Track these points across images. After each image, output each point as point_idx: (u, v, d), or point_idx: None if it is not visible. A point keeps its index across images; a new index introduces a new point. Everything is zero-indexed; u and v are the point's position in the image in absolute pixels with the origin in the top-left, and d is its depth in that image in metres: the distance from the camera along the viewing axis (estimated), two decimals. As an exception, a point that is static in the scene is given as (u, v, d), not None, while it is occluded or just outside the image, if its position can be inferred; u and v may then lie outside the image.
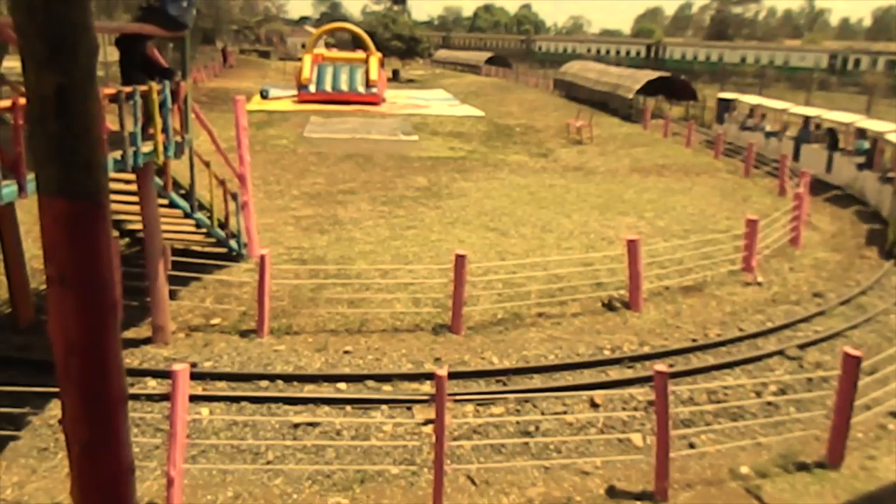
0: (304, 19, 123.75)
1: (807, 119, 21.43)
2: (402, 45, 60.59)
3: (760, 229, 11.90)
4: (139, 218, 8.96)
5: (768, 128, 24.15)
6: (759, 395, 7.88)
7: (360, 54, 38.40)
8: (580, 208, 16.14)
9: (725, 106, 27.61)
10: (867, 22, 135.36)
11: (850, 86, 46.15)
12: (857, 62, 56.90)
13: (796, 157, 20.76)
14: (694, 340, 9.21)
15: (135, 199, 8.91)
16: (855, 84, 46.53)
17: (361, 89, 35.01)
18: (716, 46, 69.54)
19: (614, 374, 8.27)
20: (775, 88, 36.06)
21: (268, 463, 6.47)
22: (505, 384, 7.97)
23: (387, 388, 7.83)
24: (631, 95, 32.25)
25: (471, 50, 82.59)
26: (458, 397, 7.29)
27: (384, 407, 7.41)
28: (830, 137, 19.80)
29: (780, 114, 24.32)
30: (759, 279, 11.57)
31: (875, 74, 49.40)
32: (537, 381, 8.07)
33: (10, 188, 5.98)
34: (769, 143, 22.81)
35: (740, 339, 9.22)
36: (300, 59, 38.86)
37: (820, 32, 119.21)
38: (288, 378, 7.88)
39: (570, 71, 41.28)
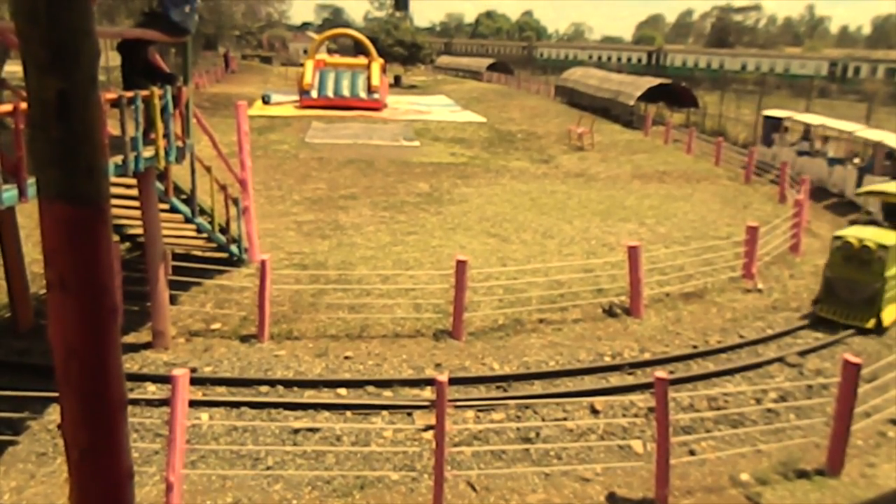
0: (306, 25, 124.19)
1: (876, 144, 17.63)
2: (404, 51, 60.77)
3: (761, 236, 11.90)
4: (140, 222, 8.98)
5: (832, 153, 20.24)
6: (759, 402, 7.87)
7: (362, 60, 38.51)
8: (581, 214, 16.15)
9: (774, 125, 22.99)
10: (867, 30, 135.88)
11: (850, 93, 46.22)
12: (857, 70, 56.99)
13: None
14: (694, 347, 9.20)
15: (136, 203, 8.93)
16: (855, 92, 46.59)
17: (363, 95, 35.09)
18: (716, 54, 69.66)
19: (615, 380, 8.26)
20: (776, 96, 36.06)
21: (267, 468, 6.45)
22: (505, 390, 7.96)
23: (387, 393, 7.82)
24: (632, 102, 32.30)
25: (473, 56, 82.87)
26: (458, 403, 7.27)
27: (384, 412, 7.40)
28: None
29: (842, 136, 20.05)
30: (760, 286, 11.56)
31: (875, 82, 49.46)
32: (538, 387, 8.06)
33: (10, 192, 6.00)
34: (833, 173, 18.98)
35: (740, 345, 9.21)
36: (302, 65, 38.95)
37: (820, 40, 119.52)
38: (288, 383, 7.87)
39: (572, 77, 41.36)
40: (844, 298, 9.88)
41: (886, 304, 9.78)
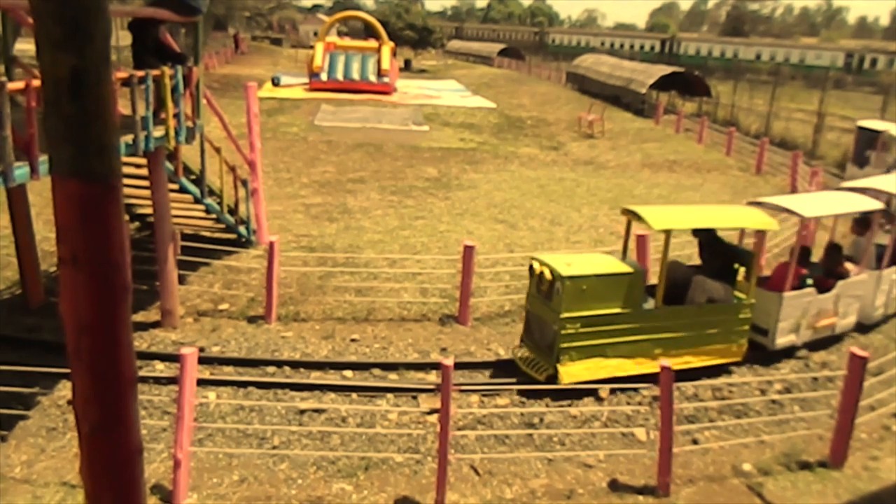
0: (316, 7, 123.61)
1: None
2: (414, 34, 60.44)
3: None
4: (149, 202, 9.02)
5: None
6: (763, 393, 7.87)
7: (372, 43, 38.32)
8: (590, 202, 16.09)
9: (870, 140, 17.78)
10: (885, 21, 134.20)
11: (866, 85, 45.75)
12: (874, 62, 56.42)
13: None
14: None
15: (145, 183, 8.97)
16: (871, 84, 46.09)
17: (373, 78, 34.95)
18: (731, 43, 69.01)
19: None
20: (790, 86, 35.69)
21: (273, 448, 6.52)
22: (510, 375, 7.98)
23: (393, 376, 7.86)
24: (644, 90, 32.04)
25: (483, 41, 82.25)
26: (463, 387, 7.31)
27: (390, 395, 7.44)
28: None
29: None
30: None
31: (891, 74, 48.90)
32: (542, 373, 8.07)
33: (22, 170, 6.03)
34: None
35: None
36: (312, 47, 38.84)
37: (836, 31, 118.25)
38: (295, 364, 7.93)
39: (583, 64, 41.03)
40: (536, 340, 7.86)
41: (573, 355, 7.37)
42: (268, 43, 73.37)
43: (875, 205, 9.12)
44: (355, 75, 34.96)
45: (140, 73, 7.68)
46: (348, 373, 7.87)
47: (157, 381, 7.38)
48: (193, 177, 9.85)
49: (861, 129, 18.49)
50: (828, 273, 9.03)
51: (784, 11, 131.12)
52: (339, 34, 52.31)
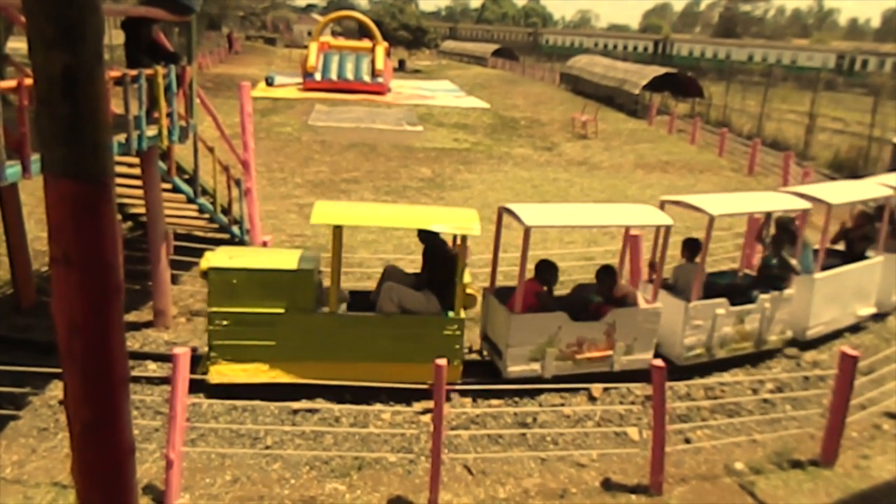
0: (310, 7, 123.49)
1: None
2: (408, 35, 60.48)
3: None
4: (142, 202, 8.99)
5: None
6: (755, 392, 7.91)
7: (366, 43, 38.30)
8: (583, 203, 16.12)
9: None
10: (876, 23, 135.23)
11: (857, 87, 46.00)
12: (865, 63, 56.73)
13: None
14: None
15: (138, 182, 8.94)
16: (862, 85, 46.34)
17: (367, 78, 34.95)
18: (723, 44, 69.32)
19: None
20: (782, 88, 35.83)
21: (266, 448, 6.50)
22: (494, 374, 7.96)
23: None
24: (637, 91, 32.16)
25: (478, 42, 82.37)
26: (456, 387, 7.31)
27: (383, 395, 7.43)
28: None
29: None
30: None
31: (882, 76, 49.18)
32: (535, 373, 8.07)
33: (13, 169, 6.00)
34: None
35: (739, 336, 9.14)
36: (306, 47, 38.77)
37: (828, 32, 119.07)
38: (287, 365, 7.89)
39: (577, 65, 41.15)
40: None
41: (225, 354, 6.88)
42: (262, 42, 73.24)
43: (662, 220, 7.72)
44: (349, 75, 34.94)
45: (133, 72, 7.65)
46: (342, 373, 7.83)
47: (150, 381, 7.35)
48: (187, 176, 9.83)
49: None
50: (607, 299, 7.76)
51: (776, 13, 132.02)
52: (334, 34, 52.34)
